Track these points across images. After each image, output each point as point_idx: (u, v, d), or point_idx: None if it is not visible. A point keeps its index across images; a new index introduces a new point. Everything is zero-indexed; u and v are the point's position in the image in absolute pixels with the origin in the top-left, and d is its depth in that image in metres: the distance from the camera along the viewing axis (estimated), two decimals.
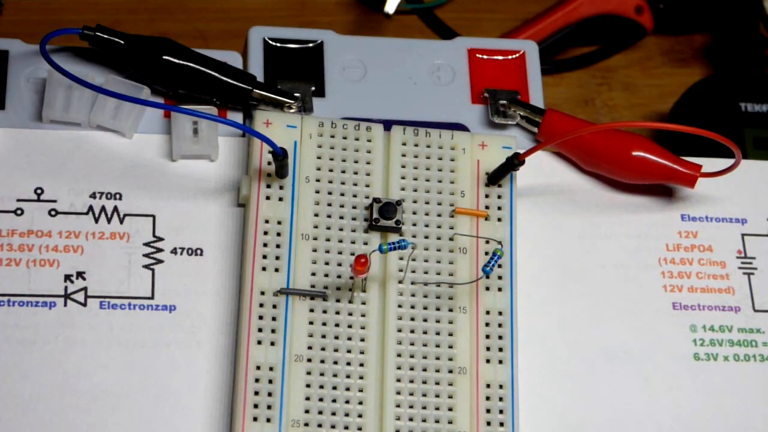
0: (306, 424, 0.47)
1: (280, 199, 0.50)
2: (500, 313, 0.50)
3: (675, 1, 0.66)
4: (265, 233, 0.49)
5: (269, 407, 0.47)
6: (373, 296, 0.49)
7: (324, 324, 0.49)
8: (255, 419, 0.47)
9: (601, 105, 0.65)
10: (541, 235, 0.53)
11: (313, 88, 0.55)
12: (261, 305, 0.48)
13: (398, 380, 0.48)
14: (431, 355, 0.49)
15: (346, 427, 0.47)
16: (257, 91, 0.53)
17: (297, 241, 0.50)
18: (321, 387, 0.48)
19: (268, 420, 0.47)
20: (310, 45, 0.56)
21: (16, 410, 0.47)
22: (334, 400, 0.48)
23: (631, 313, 0.52)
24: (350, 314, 0.49)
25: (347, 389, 0.48)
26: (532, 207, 0.53)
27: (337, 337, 0.49)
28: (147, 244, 0.50)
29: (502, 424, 0.48)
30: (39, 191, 0.51)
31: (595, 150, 0.54)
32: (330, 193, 0.51)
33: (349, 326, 0.49)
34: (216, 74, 0.53)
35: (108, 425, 0.47)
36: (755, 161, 0.56)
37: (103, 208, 0.51)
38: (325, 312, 0.49)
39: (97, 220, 0.51)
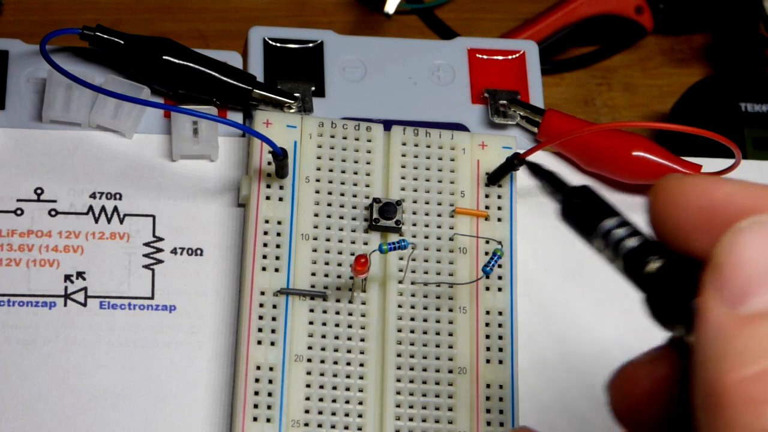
0: (306, 424, 0.47)
1: (280, 199, 0.50)
2: (500, 313, 0.50)
3: (675, 1, 0.66)
4: (265, 233, 0.50)
5: (269, 407, 0.47)
6: (373, 296, 0.49)
7: (324, 324, 0.49)
8: (255, 419, 0.47)
9: (601, 105, 0.65)
10: (541, 235, 0.53)
11: (313, 88, 0.55)
12: (261, 305, 0.48)
13: (398, 380, 0.48)
14: (431, 355, 0.49)
15: (346, 427, 0.47)
16: (257, 91, 0.53)
17: (297, 241, 0.50)
18: (321, 387, 0.48)
19: (268, 420, 0.47)
20: (310, 45, 0.56)
21: (16, 410, 0.47)
22: (334, 400, 0.48)
23: (632, 313, 0.52)
24: (350, 314, 0.49)
25: (347, 389, 0.48)
26: (532, 207, 0.53)
27: (337, 337, 0.49)
28: (147, 244, 0.50)
29: (502, 424, 0.48)
30: (39, 191, 0.51)
31: (595, 150, 0.54)
32: (330, 193, 0.51)
33: (349, 326, 0.49)
34: (216, 74, 0.53)
35: (108, 425, 0.47)
36: (755, 161, 0.56)
37: (103, 208, 0.51)
38: (325, 312, 0.49)
39: (97, 220, 0.51)
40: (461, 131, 0.53)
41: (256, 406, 0.47)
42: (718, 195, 0.32)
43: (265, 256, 0.49)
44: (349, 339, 0.49)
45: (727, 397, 0.28)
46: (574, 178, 0.55)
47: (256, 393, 0.47)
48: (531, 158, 0.45)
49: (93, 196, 0.51)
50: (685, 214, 0.32)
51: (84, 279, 0.49)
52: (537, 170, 0.38)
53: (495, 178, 0.52)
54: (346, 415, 0.48)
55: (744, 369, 0.28)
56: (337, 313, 0.49)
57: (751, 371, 0.28)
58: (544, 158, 0.55)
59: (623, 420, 0.34)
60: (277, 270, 0.49)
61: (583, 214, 0.35)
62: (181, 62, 0.53)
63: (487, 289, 0.50)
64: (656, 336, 0.53)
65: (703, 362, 0.29)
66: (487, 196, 0.52)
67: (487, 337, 0.50)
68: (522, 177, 0.53)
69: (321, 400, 0.48)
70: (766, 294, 0.29)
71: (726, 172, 0.52)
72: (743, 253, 0.30)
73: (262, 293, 0.49)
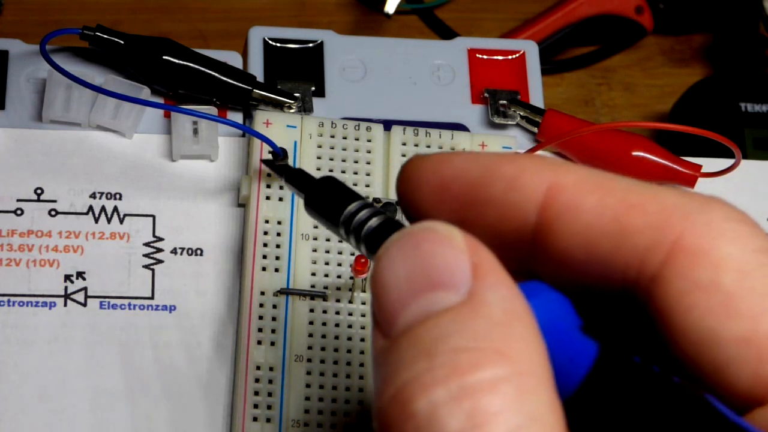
0: (306, 424, 0.47)
1: (280, 199, 0.50)
2: None
3: (675, 1, 0.66)
4: (265, 233, 0.50)
5: (269, 407, 0.47)
6: None
7: (324, 324, 0.49)
8: (255, 419, 0.47)
9: (601, 105, 0.65)
10: None
11: (313, 88, 0.55)
12: (261, 305, 0.48)
13: None
14: None
15: (347, 427, 0.47)
16: (257, 91, 0.53)
17: (297, 241, 0.50)
18: (321, 387, 0.48)
19: (268, 420, 0.47)
20: (310, 45, 0.56)
21: (16, 410, 0.47)
22: (334, 400, 0.48)
23: None
24: (350, 314, 0.49)
25: (347, 389, 0.48)
26: None
27: (337, 337, 0.49)
28: (147, 244, 0.50)
29: None
30: (39, 191, 0.51)
31: (595, 150, 0.54)
32: None
33: (349, 326, 0.49)
34: (216, 74, 0.53)
35: (108, 425, 0.47)
36: (755, 161, 0.56)
37: (103, 208, 0.51)
38: (325, 312, 0.49)
39: (97, 220, 0.51)
40: (461, 131, 0.53)
41: (256, 406, 0.47)
42: (446, 172, 0.32)
43: (265, 256, 0.49)
44: (349, 339, 0.49)
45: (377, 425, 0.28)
46: None
47: (256, 393, 0.47)
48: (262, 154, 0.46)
49: (93, 196, 0.51)
50: (421, 193, 0.32)
51: (84, 279, 0.49)
52: (281, 170, 0.37)
53: None
54: (346, 415, 0.48)
55: (383, 395, 0.28)
56: (337, 313, 0.49)
57: (387, 395, 0.28)
58: None
59: None
60: (277, 270, 0.49)
61: (325, 205, 0.34)
62: (181, 62, 0.53)
63: None
64: None
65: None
66: None
67: None
68: None
69: (321, 400, 0.48)
70: (404, 313, 0.29)
71: (726, 172, 0.52)
72: (383, 279, 0.30)
73: (262, 293, 0.49)
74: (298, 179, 0.38)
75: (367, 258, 0.34)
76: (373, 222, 0.33)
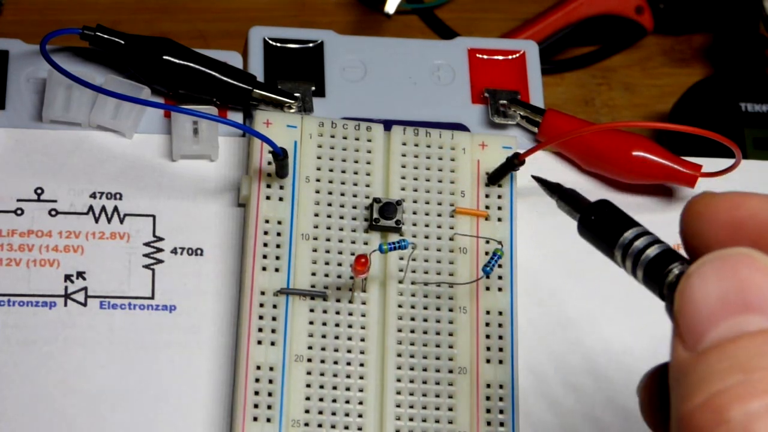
0: (306, 424, 0.47)
1: (280, 199, 0.50)
2: (500, 313, 0.50)
3: (675, 1, 0.66)
4: (265, 233, 0.50)
5: (269, 407, 0.47)
6: (373, 296, 0.49)
7: (324, 324, 0.49)
8: (255, 419, 0.47)
9: (601, 105, 0.65)
10: (541, 235, 0.53)
11: (313, 88, 0.55)
12: (261, 305, 0.48)
13: (398, 380, 0.48)
14: (431, 355, 0.49)
15: (346, 427, 0.47)
16: (257, 91, 0.53)
17: (297, 241, 0.50)
18: (321, 387, 0.48)
19: (268, 420, 0.47)
20: (310, 45, 0.56)
21: (16, 410, 0.47)
22: (334, 400, 0.48)
23: (632, 313, 0.52)
24: (350, 314, 0.49)
25: (347, 389, 0.48)
26: (533, 207, 0.53)
27: (337, 337, 0.49)
28: (147, 244, 0.50)
29: (502, 424, 0.48)
30: (39, 191, 0.51)
31: (595, 150, 0.54)
32: (330, 193, 0.51)
33: (349, 326, 0.49)
34: (216, 74, 0.53)
35: (108, 425, 0.47)
36: (755, 161, 0.56)
37: (103, 208, 0.51)
38: (325, 312, 0.49)
39: (97, 220, 0.51)
40: (461, 131, 0.53)
41: (256, 406, 0.47)
42: (742, 212, 0.33)
43: (265, 256, 0.49)
44: (349, 339, 0.49)
45: (681, 430, 0.30)
46: (574, 178, 0.55)
47: (256, 393, 0.47)
48: (546, 175, 0.46)
49: (93, 196, 0.51)
50: (712, 230, 0.34)
51: (84, 279, 0.49)
52: (555, 189, 0.38)
53: (495, 178, 0.52)
54: (346, 415, 0.48)
55: (692, 400, 0.30)
56: (337, 313, 0.49)
57: (698, 401, 0.30)
58: (544, 158, 0.55)
59: (651, 423, 0.36)
60: (277, 270, 0.49)
61: (600, 229, 0.35)
62: (181, 62, 0.53)
63: (487, 289, 0.50)
64: (655, 335, 0.53)
65: (671, 399, 0.31)
66: (487, 196, 0.52)
67: (487, 337, 0.50)
68: (522, 177, 0.53)
69: (321, 400, 0.48)
70: (715, 329, 0.31)
71: (726, 172, 0.52)
72: (693, 296, 0.32)
73: (262, 293, 0.49)
74: (572, 199, 0.38)
75: (650, 289, 0.35)
76: (653, 251, 0.34)
